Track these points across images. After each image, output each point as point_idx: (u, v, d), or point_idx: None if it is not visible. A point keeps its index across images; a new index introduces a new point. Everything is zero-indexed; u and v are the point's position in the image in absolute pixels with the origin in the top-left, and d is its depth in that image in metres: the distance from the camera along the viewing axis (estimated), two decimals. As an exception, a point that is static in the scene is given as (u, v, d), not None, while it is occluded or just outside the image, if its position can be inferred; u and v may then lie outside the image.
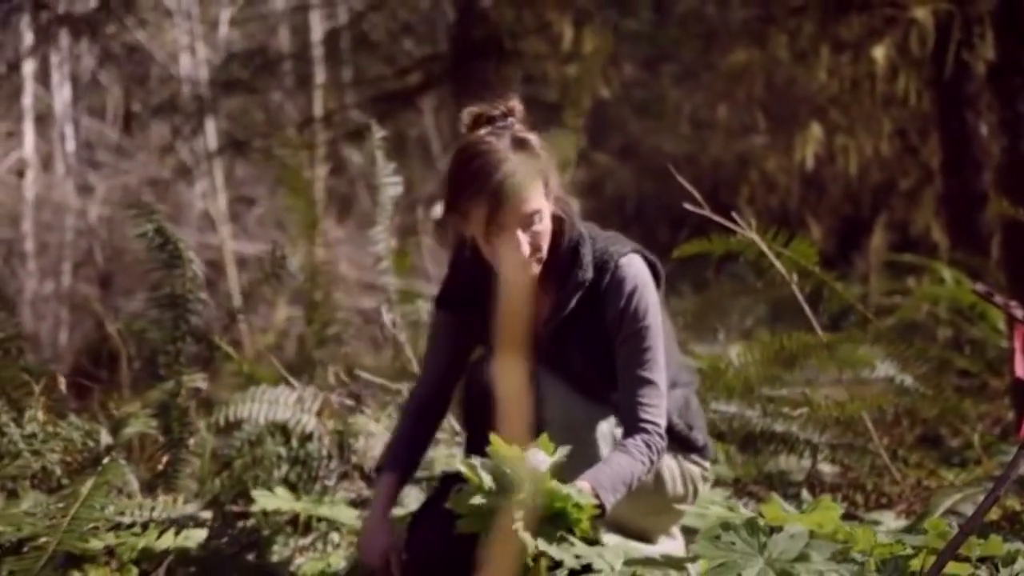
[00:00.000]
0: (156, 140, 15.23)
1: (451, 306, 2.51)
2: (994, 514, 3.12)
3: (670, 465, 2.45)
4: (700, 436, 2.52)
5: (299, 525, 2.81)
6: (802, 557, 1.84)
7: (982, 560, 2.02)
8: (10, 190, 16.45)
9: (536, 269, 2.31)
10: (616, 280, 2.32)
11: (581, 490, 2.10)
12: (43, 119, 16.64)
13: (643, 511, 2.42)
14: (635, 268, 2.34)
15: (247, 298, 3.89)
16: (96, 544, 2.27)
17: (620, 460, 2.25)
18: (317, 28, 14.65)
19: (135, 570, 2.83)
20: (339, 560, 2.66)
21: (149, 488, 2.75)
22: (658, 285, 2.39)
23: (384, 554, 2.36)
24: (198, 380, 2.81)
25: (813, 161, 9.22)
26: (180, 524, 2.42)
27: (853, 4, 7.85)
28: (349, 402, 3.22)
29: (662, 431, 2.31)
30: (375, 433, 2.99)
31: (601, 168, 14.54)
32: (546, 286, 2.36)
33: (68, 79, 16.05)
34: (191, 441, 2.76)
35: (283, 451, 2.99)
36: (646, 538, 2.48)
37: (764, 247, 3.05)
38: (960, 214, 6.94)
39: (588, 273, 2.32)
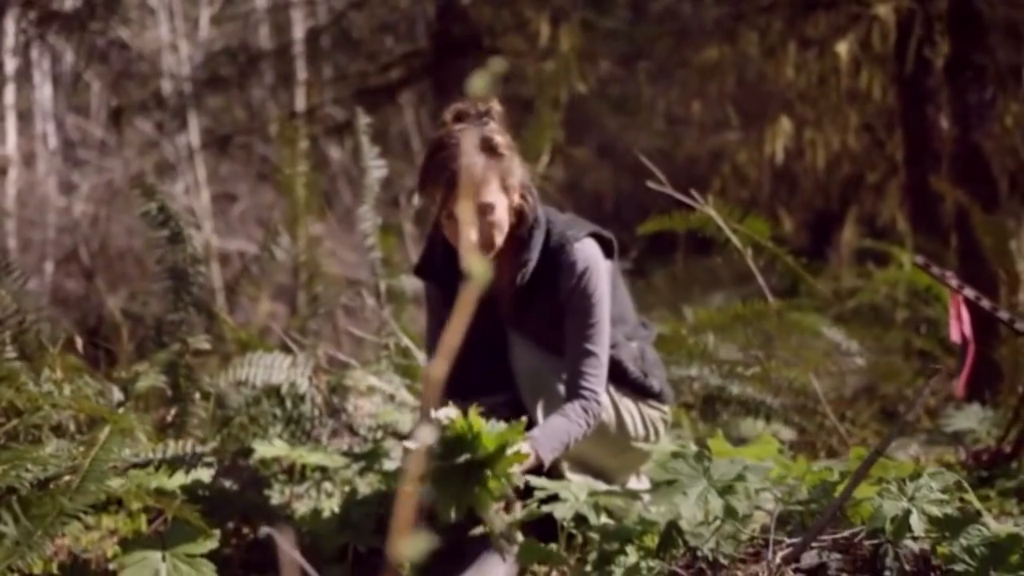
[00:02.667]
0: (139, 137, 15.40)
1: (427, 275, 2.80)
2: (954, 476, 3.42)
3: (630, 408, 2.74)
4: (656, 382, 2.80)
5: (294, 474, 3.06)
6: (740, 478, 2.10)
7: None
8: (-8, 189, 16.58)
9: (487, 255, 2.59)
10: (569, 261, 2.62)
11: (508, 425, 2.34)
12: (25, 117, 16.78)
13: (609, 451, 2.71)
14: (586, 251, 2.63)
15: (236, 283, 4.11)
16: (115, 483, 2.51)
17: (558, 422, 2.54)
18: (299, 26, 14.86)
19: (144, 517, 3.08)
20: (332, 505, 2.91)
21: (158, 439, 2.99)
22: (612, 258, 2.70)
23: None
24: (202, 341, 3.06)
25: (783, 155, 9.49)
26: (189, 464, 2.66)
27: (820, 2, 8.15)
28: (342, 359, 3.47)
29: (600, 398, 2.60)
30: (363, 392, 3.25)
31: (579, 165, 14.80)
32: (508, 263, 2.65)
33: (50, 77, 16.20)
34: (196, 395, 3.01)
35: (278, 411, 3.24)
36: (614, 479, 2.75)
37: (720, 221, 3.31)
38: (922, 204, 7.22)
39: (534, 255, 2.61)
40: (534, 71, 9.55)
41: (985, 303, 3.35)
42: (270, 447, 2.89)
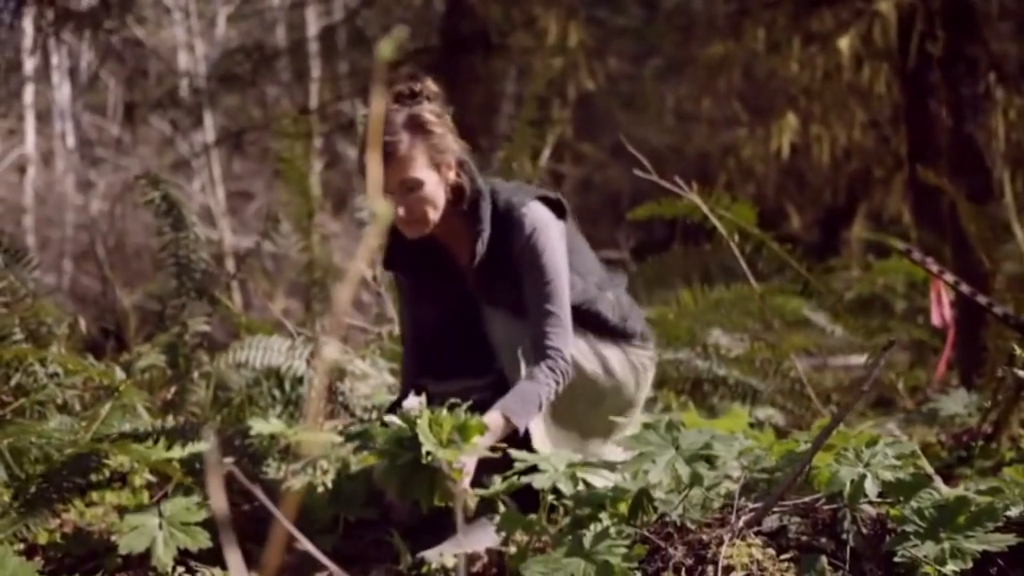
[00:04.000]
0: (155, 135, 15.57)
1: (396, 266, 2.88)
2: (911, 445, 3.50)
3: (615, 354, 2.82)
4: (635, 325, 2.88)
5: (290, 453, 3.17)
6: (707, 447, 2.20)
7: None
8: (12, 186, 16.78)
9: (418, 231, 2.68)
10: (518, 227, 2.68)
11: (463, 412, 2.42)
12: (43, 116, 16.97)
13: (603, 402, 2.78)
14: (533, 214, 2.70)
15: (239, 270, 4.22)
16: (114, 457, 2.62)
17: (526, 387, 2.62)
18: (313, 24, 14.99)
19: (146, 494, 3.19)
20: (326, 481, 3.02)
21: (160, 416, 3.11)
22: (564, 218, 2.76)
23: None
24: (201, 324, 3.17)
25: (790, 151, 9.57)
26: (186, 437, 2.77)
27: (822, -2, 8.23)
28: (337, 347, 3.58)
29: (565, 355, 2.66)
30: (358, 375, 3.36)
31: (592, 163, 14.89)
32: (463, 238, 2.74)
33: (68, 77, 16.38)
34: (195, 374, 3.12)
35: (277, 393, 3.36)
36: (602, 434, 2.82)
37: (705, 208, 3.40)
38: (924, 197, 7.30)
39: (485, 226, 2.68)
40: (541, 68, 9.65)
41: (965, 288, 3.44)
42: (267, 424, 3.00)
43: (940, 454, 3.47)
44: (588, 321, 2.78)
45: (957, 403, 3.91)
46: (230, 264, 14.71)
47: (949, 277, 3.43)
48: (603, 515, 2.28)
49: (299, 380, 3.38)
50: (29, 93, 16.25)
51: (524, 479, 2.42)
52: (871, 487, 2.09)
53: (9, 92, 16.57)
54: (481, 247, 2.69)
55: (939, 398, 3.92)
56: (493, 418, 2.53)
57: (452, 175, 2.70)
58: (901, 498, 2.09)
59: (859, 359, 4.88)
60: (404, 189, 2.63)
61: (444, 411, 2.39)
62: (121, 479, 3.18)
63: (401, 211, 2.64)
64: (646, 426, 2.30)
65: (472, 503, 2.52)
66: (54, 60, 15.98)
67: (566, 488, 2.38)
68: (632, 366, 2.86)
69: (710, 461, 2.18)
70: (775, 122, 9.46)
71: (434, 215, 2.67)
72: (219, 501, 1.10)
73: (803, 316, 3.86)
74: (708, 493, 2.24)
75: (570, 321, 2.70)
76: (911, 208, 8.02)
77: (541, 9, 9.62)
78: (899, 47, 7.42)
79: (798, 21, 8.44)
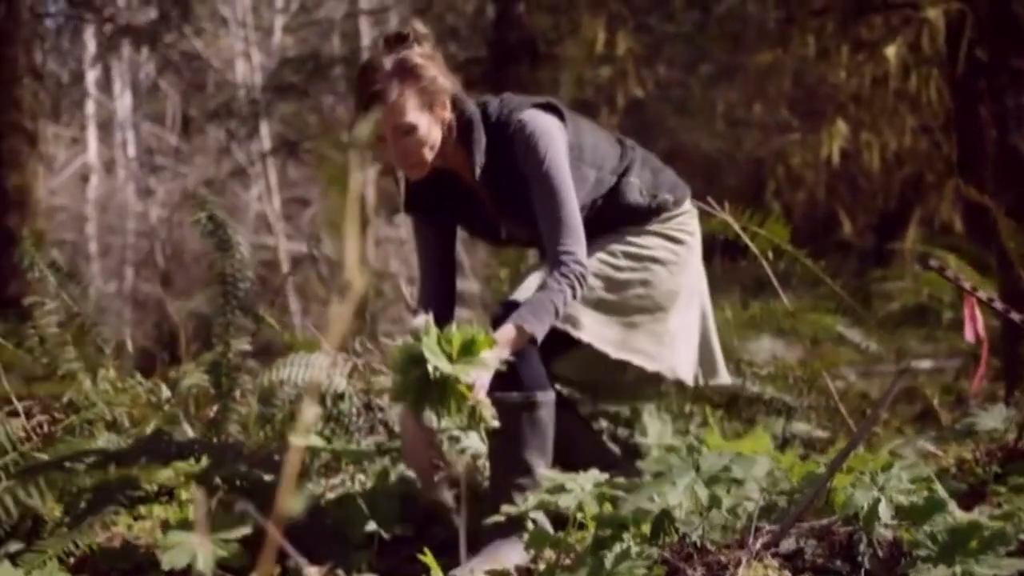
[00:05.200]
0: (213, 144, 15.84)
1: (417, 209, 2.95)
2: (945, 462, 3.52)
3: (651, 241, 2.90)
4: (665, 195, 2.93)
5: (329, 469, 3.26)
6: (725, 470, 2.25)
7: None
8: (75, 194, 17.15)
9: (417, 173, 2.74)
10: (518, 137, 2.73)
11: (474, 327, 2.51)
12: (105, 126, 17.32)
13: (655, 288, 2.89)
14: (532, 122, 2.74)
15: (281, 288, 4.33)
16: (159, 473, 2.73)
17: (540, 296, 2.67)
18: (367, 33, 15.17)
19: (191, 508, 3.30)
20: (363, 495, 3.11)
21: (203, 435, 3.22)
22: (562, 117, 2.80)
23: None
24: (244, 343, 3.27)
25: (840, 157, 9.54)
26: (230, 455, 2.86)
27: (872, 5, 8.20)
28: (375, 366, 3.68)
29: (578, 257, 2.70)
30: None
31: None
32: (467, 166, 2.79)
33: (129, 87, 16.70)
34: (237, 394, 3.22)
35: (319, 409, 3.45)
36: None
37: (736, 227, 3.44)
38: (973, 207, 7.25)
39: (478, 150, 2.73)
40: (573, 74, 9.71)
41: (998, 305, 3.45)
42: (307, 441, 3.10)
43: (975, 470, 3.48)
44: (616, 214, 2.85)
45: (995, 418, 3.90)
46: (286, 270, 14.95)
47: (982, 294, 3.44)
48: (626, 535, 2.34)
49: (340, 396, 3.47)
50: (91, 103, 16.62)
51: (551, 499, 2.49)
52: (885, 511, 2.14)
53: (72, 102, 16.96)
54: (479, 158, 2.73)
55: (977, 412, 3.92)
56: (506, 330, 2.60)
57: (446, 114, 2.75)
58: (915, 522, 2.13)
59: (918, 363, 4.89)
60: (398, 134, 2.69)
61: (454, 326, 2.47)
62: (168, 493, 3.29)
63: (396, 156, 2.70)
64: (667, 448, 2.36)
65: (488, 414, 2.56)
66: (115, 71, 16.31)
67: (592, 508, 2.44)
68: (677, 238, 2.92)
69: (730, 483, 2.24)
70: (825, 128, 9.44)
71: (430, 155, 2.72)
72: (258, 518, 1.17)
73: (837, 332, 3.89)
74: (728, 515, 2.30)
75: (580, 224, 2.73)
76: (962, 217, 7.98)
77: (589, 17, 9.67)
78: (948, 54, 7.38)
79: (846, 29, 8.42)
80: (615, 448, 3.39)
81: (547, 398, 2.75)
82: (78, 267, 16.45)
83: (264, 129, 14.74)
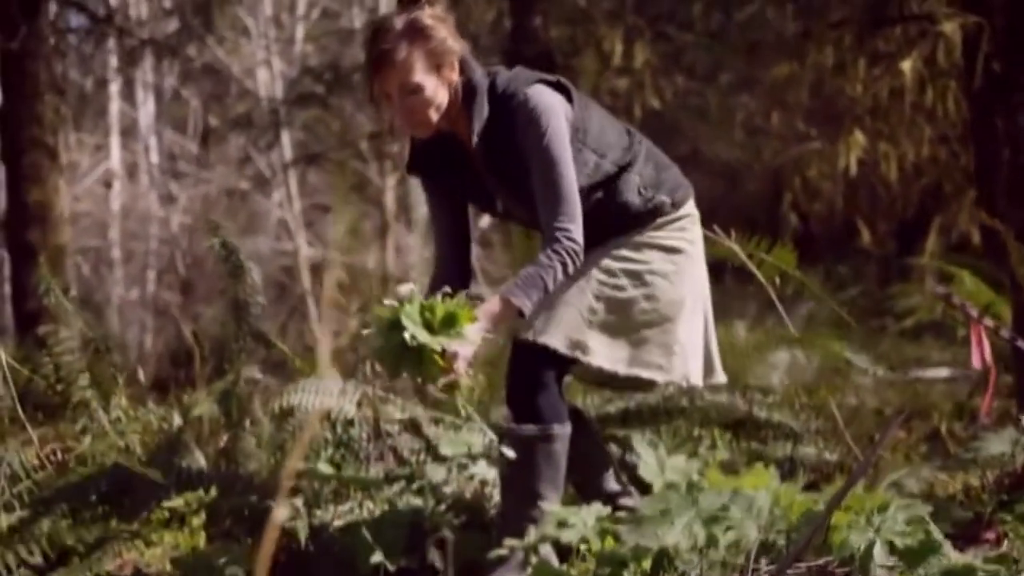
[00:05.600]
0: (234, 152, 15.92)
1: (419, 170, 2.97)
2: (953, 488, 3.54)
3: (655, 256, 2.88)
4: (662, 196, 2.89)
5: (338, 496, 3.30)
6: (723, 509, 2.28)
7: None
8: (98, 200, 17.26)
9: (422, 133, 2.78)
10: (520, 110, 2.74)
11: (458, 300, 2.57)
12: (128, 132, 17.43)
13: (657, 302, 2.88)
14: (533, 100, 2.74)
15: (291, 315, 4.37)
16: (171, 502, 2.78)
17: (530, 271, 2.70)
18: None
19: (203, 534, 3.35)
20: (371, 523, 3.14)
21: (214, 463, 3.26)
22: (569, 96, 2.81)
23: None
24: (254, 372, 3.32)
25: (858, 166, 9.52)
26: (240, 486, 2.91)
27: (888, 18, 8.18)
28: (383, 393, 3.71)
29: (572, 235, 2.71)
30: (404, 420, 3.49)
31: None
32: (465, 133, 2.81)
33: (152, 94, 16.80)
34: (247, 423, 3.27)
35: (329, 435, 3.49)
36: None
37: (744, 256, 3.46)
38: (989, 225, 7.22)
39: (476, 118, 2.74)
40: (608, 88, 9.73)
41: (1004, 332, 3.46)
42: (315, 467, 3.14)
43: (982, 497, 3.49)
44: (611, 213, 2.83)
45: (1005, 441, 3.91)
46: (305, 277, 15.02)
47: (988, 322, 3.45)
48: (626, 573, 2.37)
49: (350, 422, 3.51)
50: (115, 110, 16.73)
51: (554, 533, 2.52)
52: (880, 553, 2.16)
53: (96, 109, 17.08)
54: (477, 125, 2.74)
55: (986, 436, 3.93)
56: (493, 303, 2.64)
57: (454, 76, 2.76)
58: (910, 564, 2.15)
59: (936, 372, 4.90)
60: (404, 93, 2.71)
61: (439, 297, 2.53)
62: (180, 520, 3.34)
63: (399, 115, 2.73)
64: (667, 485, 2.39)
65: (464, 385, 2.60)
66: (138, 79, 16.41)
67: (595, 544, 2.47)
68: (670, 251, 2.90)
69: (727, 523, 2.26)
70: (843, 139, 9.42)
71: (435, 116, 2.74)
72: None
73: (843, 356, 3.90)
74: (726, 554, 2.32)
75: (577, 201, 2.74)
76: (980, 233, 7.95)
77: (606, 29, 9.69)
78: (965, 67, 7.36)
79: (863, 42, 8.40)
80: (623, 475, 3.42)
81: (563, 431, 2.78)
82: (101, 275, 16.58)
83: (285, 138, 14.80)
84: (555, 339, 2.74)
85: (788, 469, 3.64)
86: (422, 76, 2.70)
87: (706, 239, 3.29)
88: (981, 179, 7.28)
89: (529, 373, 2.78)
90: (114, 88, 15.96)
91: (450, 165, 2.90)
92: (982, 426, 4.10)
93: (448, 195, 2.99)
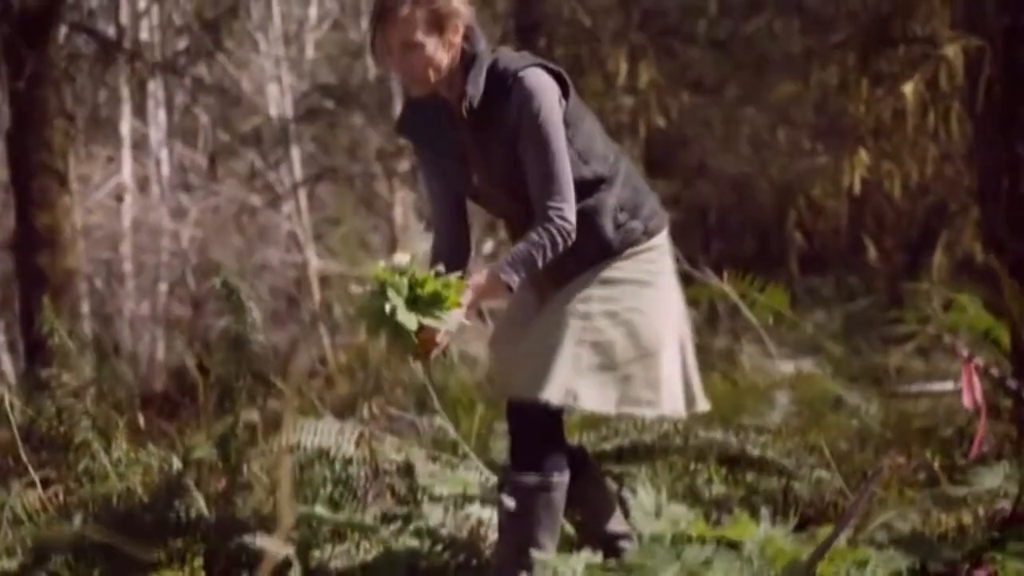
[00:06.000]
0: (244, 167, 15.99)
1: (409, 133, 3.02)
2: (946, 526, 3.58)
3: (630, 291, 2.89)
4: (635, 224, 2.91)
5: (336, 536, 3.35)
6: (707, 562, 2.32)
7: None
8: (110, 214, 17.35)
9: (420, 89, 2.82)
10: (514, 91, 2.76)
11: (449, 276, 2.64)
12: (140, 146, 17.52)
13: (637, 341, 2.90)
14: (530, 79, 2.77)
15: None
16: (172, 544, 2.84)
17: (519, 247, 2.76)
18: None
19: (203, 573, 3.40)
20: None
21: (214, 505, 3.32)
22: (565, 90, 2.83)
23: None
24: (252, 415, 3.38)
25: (862, 185, 9.54)
26: (238, 527, 2.96)
27: (891, 39, 8.22)
28: (381, 433, 3.77)
29: (563, 212, 2.75)
30: (400, 460, 3.55)
31: (679, 179, 14.92)
32: (457, 99, 2.83)
33: (163, 108, 16.89)
34: (245, 467, 3.32)
35: (328, 473, 3.55)
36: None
37: (735, 296, 3.51)
38: (994, 244, 7.24)
39: (471, 88, 2.77)
40: (613, 107, 9.77)
41: (994, 371, 3.50)
42: (313, 511, 3.20)
43: (975, 534, 3.52)
44: (583, 240, 2.82)
45: (997, 476, 3.93)
46: (315, 289, 15.08)
47: (979, 361, 3.49)
48: (612, 623, 2.41)
49: (349, 461, 3.56)
50: (126, 124, 16.81)
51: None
52: (859, 610, 2.20)
53: (107, 122, 17.19)
54: (471, 91, 2.76)
55: (978, 471, 3.96)
56: (480, 276, 2.73)
57: (457, 39, 2.80)
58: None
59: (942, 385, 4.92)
60: (404, 49, 2.77)
61: (431, 272, 2.60)
62: (181, 559, 3.39)
63: (398, 71, 2.81)
64: (652, 538, 2.44)
65: (431, 362, 2.76)
66: (149, 94, 16.50)
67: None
68: (641, 285, 2.91)
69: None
70: (847, 158, 9.44)
71: (434, 76, 2.79)
72: None
73: (835, 393, 3.94)
74: (710, 606, 2.36)
75: (570, 180, 2.77)
76: (983, 250, 7.97)
77: (611, 49, 9.74)
78: (968, 91, 7.39)
79: (866, 62, 8.44)
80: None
81: (562, 480, 2.84)
82: (112, 288, 16.65)
83: (295, 152, 14.86)
84: (548, 392, 2.79)
85: (780, 508, 3.67)
86: (422, 35, 2.76)
87: (698, 281, 3.34)
88: (984, 204, 7.32)
89: (529, 427, 2.85)
90: (126, 106, 16.04)
91: (437, 132, 2.94)
92: (974, 460, 4.13)
93: (441, 168, 3.01)
